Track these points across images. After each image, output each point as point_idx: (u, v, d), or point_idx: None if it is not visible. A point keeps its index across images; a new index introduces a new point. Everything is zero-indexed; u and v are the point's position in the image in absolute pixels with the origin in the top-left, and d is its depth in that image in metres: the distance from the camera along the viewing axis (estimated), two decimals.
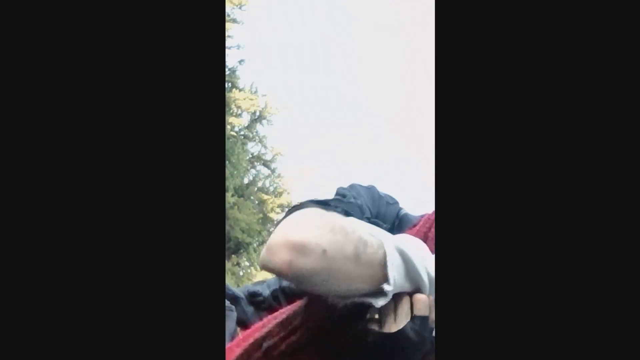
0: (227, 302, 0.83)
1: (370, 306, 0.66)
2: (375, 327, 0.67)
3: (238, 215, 11.58)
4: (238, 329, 0.80)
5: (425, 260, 0.67)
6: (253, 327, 0.67)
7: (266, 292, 0.87)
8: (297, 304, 0.70)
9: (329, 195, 0.83)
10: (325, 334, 0.69)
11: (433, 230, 0.77)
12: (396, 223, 0.83)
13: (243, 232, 11.73)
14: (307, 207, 0.74)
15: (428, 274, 0.66)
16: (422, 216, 0.83)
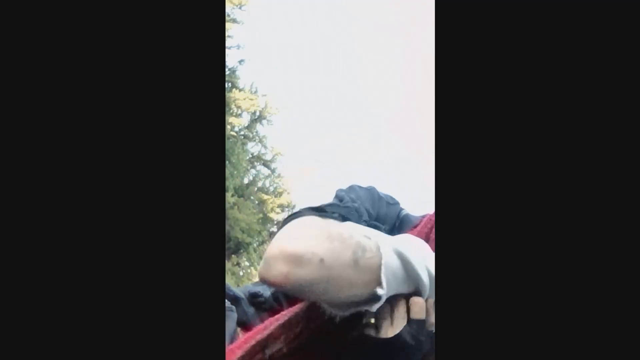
0: (228, 303, 0.82)
1: (366, 310, 0.66)
2: (372, 332, 0.67)
3: (238, 215, 11.58)
4: (238, 329, 0.80)
5: (425, 260, 0.66)
6: (255, 329, 0.67)
7: (267, 292, 0.87)
8: (299, 306, 0.70)
9: (329, 196, 0.83)
10: (326, 335, 0.69)
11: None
12: (397, 224, 0.82)
13: (243, 232, 11.72)
14: (303, 215, 0.73)
15: (429, 274, 0.66)
16: (423, 217, 0.82)
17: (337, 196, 0.82)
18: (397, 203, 0.86)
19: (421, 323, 0.67)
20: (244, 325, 0.81)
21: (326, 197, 0.82)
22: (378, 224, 0.80)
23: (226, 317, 0.78)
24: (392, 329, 0.66)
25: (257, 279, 0.84)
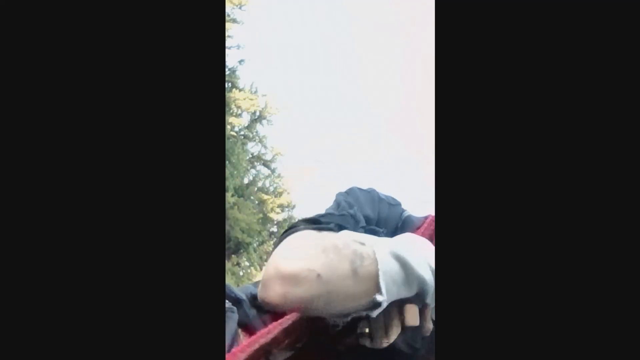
0: (229, 304, 0.82)
1: (361, 319, 0.66)
2: (366, 342, 0.66)
3: (238, 215, 11.59)
4: (239, 330, 0.80)
5: (428, 259, 0.66)
6: (258, 333, 0.66)
7: None
8: None
9: (329, 196, 0.82)
10: (329, 339, 0.69)
11: None
12: (399, 225, 0.82)
13: (243, 232, 11.74)
14: (298, 229, 0.73)
15: (433, 272, 0.65)
16: (425, 217, 0.81)
17: (336, 200, 0.82)
18: (398, 204, 0.85)
19: (416, 330, 0.66)
20: (246, 326, 0.81)
21: (326, 197, 0.82)
22: (376, 228, 0.79)
23: (227, 318, 0.78)
24: (386, 338, 0.65)
25: (257, 279, 0.84)
